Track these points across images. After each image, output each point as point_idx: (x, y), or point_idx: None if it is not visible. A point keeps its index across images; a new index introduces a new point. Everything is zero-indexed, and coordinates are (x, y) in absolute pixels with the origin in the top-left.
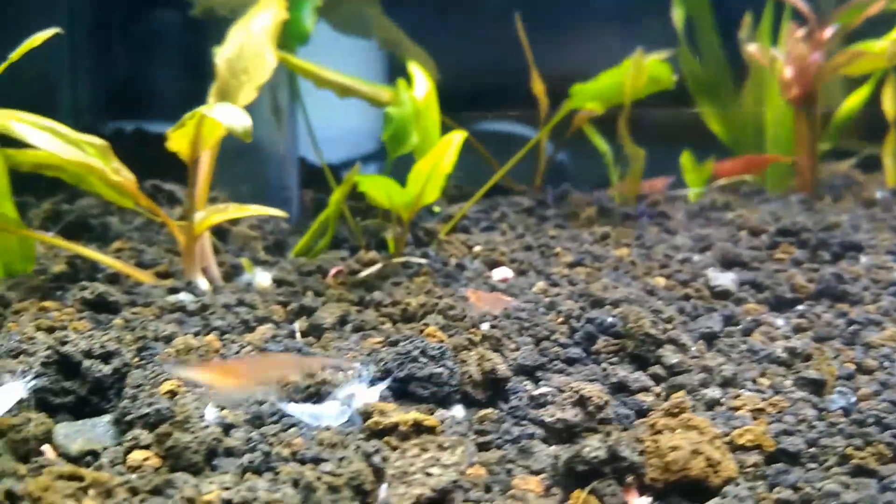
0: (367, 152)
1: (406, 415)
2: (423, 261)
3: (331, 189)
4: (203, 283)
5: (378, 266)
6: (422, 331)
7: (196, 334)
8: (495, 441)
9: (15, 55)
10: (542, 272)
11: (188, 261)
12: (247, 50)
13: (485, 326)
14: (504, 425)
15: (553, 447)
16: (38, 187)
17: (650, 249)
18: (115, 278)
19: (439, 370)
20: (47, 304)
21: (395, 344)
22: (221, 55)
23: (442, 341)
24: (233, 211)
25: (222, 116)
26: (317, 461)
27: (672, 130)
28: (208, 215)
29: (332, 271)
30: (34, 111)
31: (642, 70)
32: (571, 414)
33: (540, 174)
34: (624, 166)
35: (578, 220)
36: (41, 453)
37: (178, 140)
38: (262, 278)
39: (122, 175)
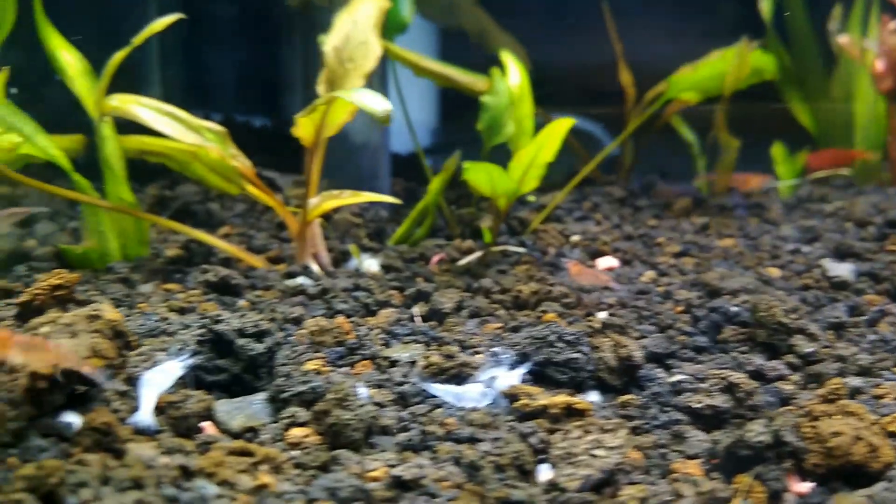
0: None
1: (555, 397)
2: (521, 249)
3: (419, 178)
4: (315, 269)
5: (478, 254)
6: (539, 318)
7: (324, 317)
8: (643, 426)
9: (138, 39)
10: (647, 262)
11: (301, 246)
12: (353, 38)
13: (602, 314)
14: (650, 411)
15: (706, 433)
16: (140, 174)
17: (756, 240)
18: (227, 263)
19: (576, 355)
20: (170, 286)
21: (516, 330)
22: (329, 44)
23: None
24: (347, 197)
25: (363, 100)
26: (472, 440)
27: (756, 123)
28: (322, 201)
29: (435, 258)
30: None
31: (746, 60)
32: (721, 400)
33: (626, 166)
34: (710, 158)
35: (673, 211)
36: (200, 430)
37: (304, 125)
38: (370, 264)
39: (239, 161)
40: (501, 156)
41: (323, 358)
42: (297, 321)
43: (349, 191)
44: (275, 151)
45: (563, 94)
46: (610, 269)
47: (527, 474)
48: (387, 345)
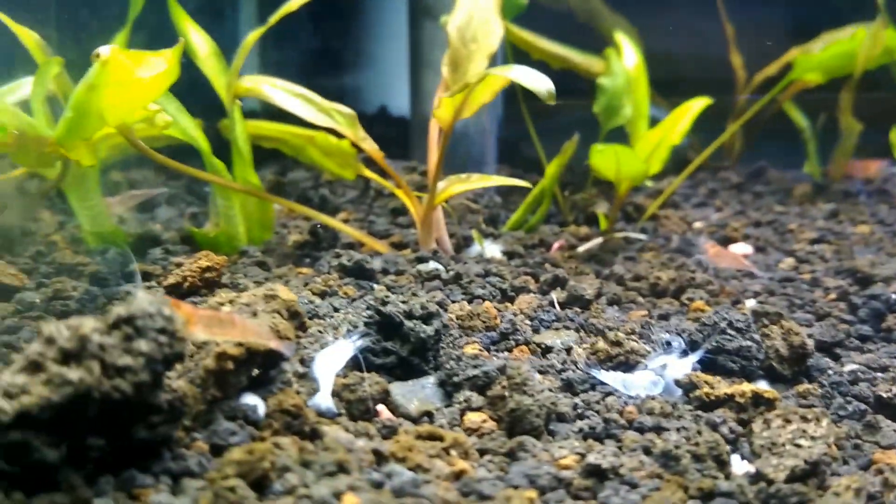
0: None
1: (740, 386)
2: (643, 236)
3: (525, 164)
4: (441, 254)
5: (598, 241)
6: (685, 305)
7: (467, 302)
8: (833, 417)
9: (273, 19)
10: (782, 249)
11: (425, 231)
12: (475, 18)
13: (750, 302)
14: (835, 401)
15: None
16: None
17: (893, 226)
18: (350, 248)
19: (748, 343)
20: (303, 270)
21: (665, 318)
22: (452, 23)
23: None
24: (476, 180)
25: (525, 78)
26: (658, 430)
27: (870, 110)
28: (449, 185)
29: (555, 245)
30: None
31: (880, 40)
32: None
33: (737, 151)
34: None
35: (795, 197)
36: (376, 413)
37: (446, 106)
38: (492, 250)
39: (368, 144)
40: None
41: (477, 342)
42: (441, 305)
43: (477, 174)
44: (377, 138)
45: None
46: (745, 256)
47: (723, 465)
48: (536, 331)
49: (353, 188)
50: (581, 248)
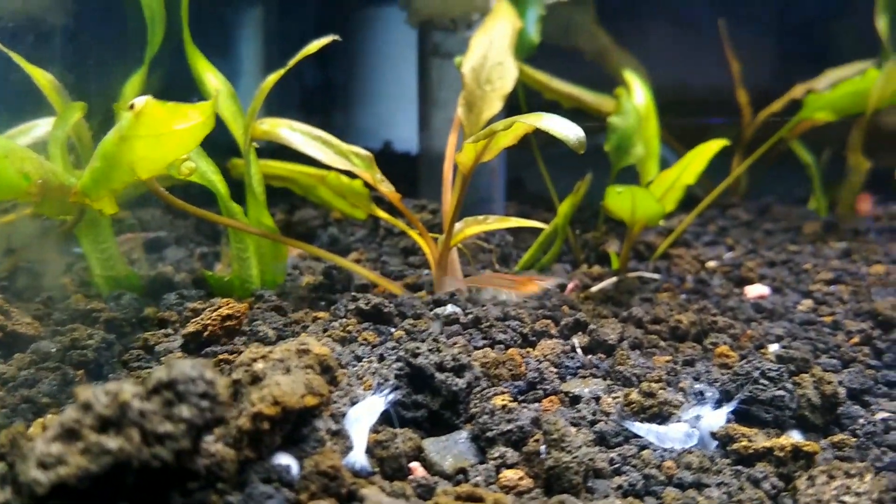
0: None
1: (780, 440)
2: (657, 276)
3: (532, 201)
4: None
5: (612, 281)
6: (709, 350)
7: (490, 347)
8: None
9: (293, 62)
10: (798, 290)
11: (440, 273)
12: (489, 59)
13: (773, 347)
14: (871, 452)
15: None
16: None
17: None
18: (364, 289)
19: (781, 393)
20: (319, 314)
21: (690, 364)
22: (467, 64)
23: (735, 362)
24: (493, 222)
25: (556, 127)
26: (699, 486)
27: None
28: (465, 227)
29: (570, 286)
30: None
31: (893, 79)
32: None
33: (741, 189)
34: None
35: (806, 236)
36: (410, 471)
37: (468, 151)
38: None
39: (385, 186)
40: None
41: (506, 392)
42: (465, 353)
43: (494, 216)
44: (389, 175)
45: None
46: (762, 297)
47: None
48: (563, 379)
49: (361, 227)
50: (595, 289)
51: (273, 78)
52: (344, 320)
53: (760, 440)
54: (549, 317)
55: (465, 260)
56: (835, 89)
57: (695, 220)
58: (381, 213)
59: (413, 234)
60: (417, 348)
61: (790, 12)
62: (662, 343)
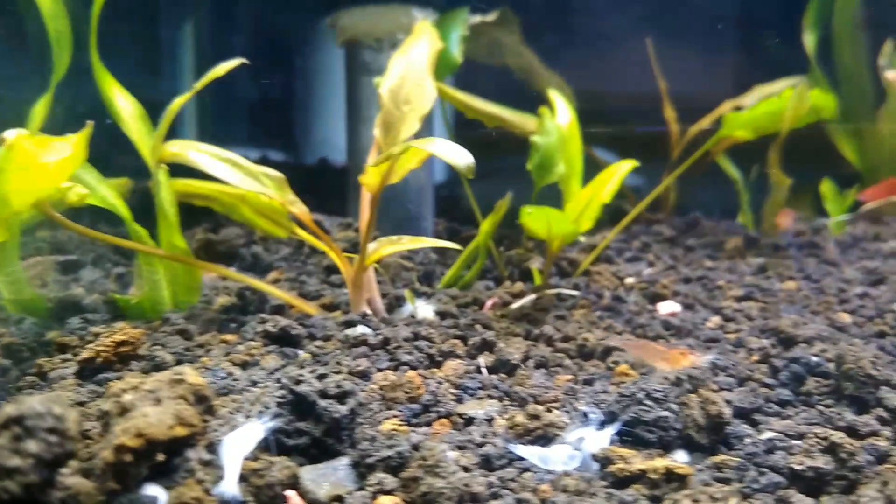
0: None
1: (654, 462)
2: (576, 293)
3: (461, 218)
4: (371, 316)
5: (530, 298)
6: (611, 369)
7: (390, 369)
8: (745, 490)
9: (199, 84)
10: (710, 306)
11: (356, 292)
12: (408, 80)
13: None
14: (749, 473)
15: (812, 498)
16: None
17: (819, 283)
18: (280, 310)
19: (665, 413)
20: (227, 337)
21: (589, 383)
22: (385, 85)
23: (634, 381)
24: (406, 242)
25: (444, 152)
26: None
27: (799, 158)
28: (380, 247)
29: (489, 303)
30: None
31: (805, 100)
32: (822, 461)
33: (670, 204)
34: (756, 195)
35: (726, 251)
36: (285, 499)
37: (373, 174)
38: (425, 310)
39: (297, 207)
40: (540, 195)
41: (398, 416)
42: (364, 375)
43: (407, 236)
44: (315, 193)
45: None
46: (672, 315)
47: None
48: (459, 400)
49: (287, 245)
50: (514, 306)
51: (180, 101)
52: (251, 343)
53: (636, 462)
54: (459, 336)
55: (388, 279)
56: (752, 109)
57: (621, 236)
58: (302, 233)
59: (331, 253)
60: (300, 375)
61: (724, 27)
62: (568, 361)
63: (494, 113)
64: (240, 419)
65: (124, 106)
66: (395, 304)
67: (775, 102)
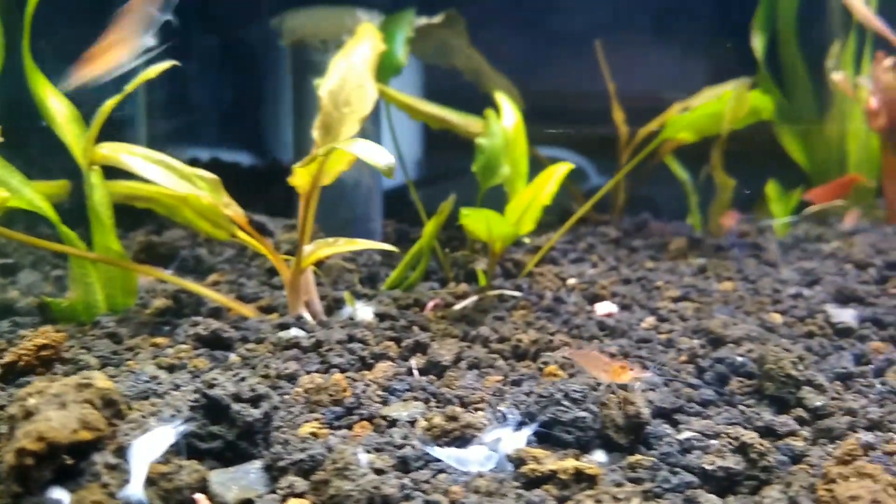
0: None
1: (564, 462)
2: (517, 294)
3: (410, 219)
4: (308, 318)
5: (473, 299)
6: (540, 369)
7: (319, 372)
8: (655, 490)
9: (130, 87)
10: (646, 307)
11: (293, 295)
12: (349, 82)
13: None
14: (661, 473)
15: (720, 497)
16: (124, 219)
17: (756, 283)
18: (217, 312)
19: (583, 414)
20: (158, 340)
21: (517, 384)
22: (325, 87)
23: (563, 381)
24: (343, 245)
25: (364, 152)
26: None
27: (748, 160)
28: (316, 249)
29: (430, 304)
30: (109, 141)
31: (744, 101)
32: (733, 461)
33: (619, 205)
34: (704, 196)
35: (670, 252)
36: (194, 502)
37: (302, 175)
38: (364, 312)
39: (232, 209)
40: (495, 194)
41: (320, 419)
42: (292, 378)
43: (343, 238)
44: (265, 194)
45: (556, 131)
46: (609, 315)
47: None
48: (385, 402)
49: (231, 247)
50: (457, 307)
51: (111, 102)
52: (181, 346)
53: (548, 463)
54: (393, 338)
55: (331, 281)
56: (693, 110)
57: (568, 238)
58: (242, 235)
59: (271, 256)
60: (214, 379)
61: (679, 29)
62: (501, 362)
63: (439, 115)
64: (152, 423)
65: (57, 108)
66: (334, 306)
67: (715, 104)
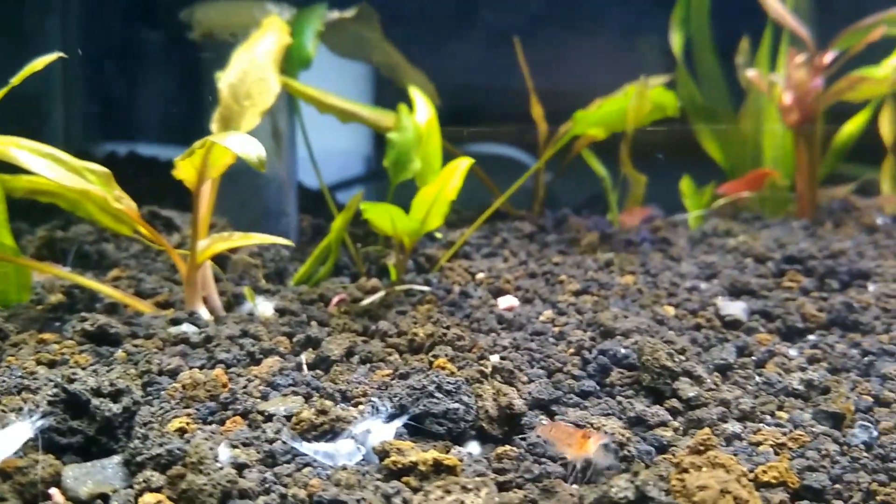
0: (354, 175)
1: (424, 454)
2: (425, 288)
3: (328, 214)
4: (205, 313)
5: (381, 294)
6: (431, 363)
7: (201, 367)
8: (515, 480)
9: (16, 79)
10: (547, 300)
11: (190, 290)
12: (250, 75)
13: (494, 358)
14: (524, 463)
15: (576, 486)
16: (31, 213)
17: (656, 277)
18: (113, 308)
19: (455, 406)
20: (46, 336)
21: (405, 377)
22: (225, 80)
23: (453, 374)
24: (237, 239)
25: (235, 145)
26: (335, 503)
27: (667, 155)
28: (211, 244)
29: (335, 300)
30: (26, 135)
31: (645, 98)
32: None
33: (539, 200)
34: (624, 191)
35: (581, 247)
36: (48, 497)
37: (185, 168)
38: (265, 308)
39: (124, 203)
40: (412, 190)
41: (192, 414)
42: (174, 374)
43: (239, 233)
44: (177, 188)
45: (477, 127)
46: (510, 309)
47: None
48: (264, 397)
49: (138, 242)
50: (363, 302)
51: None
52: (67, 342)
53: (411, 455)
54: (287, 333)
55: (234, 278)
56: (600, 107)
57: (483, 232)
58: (144, 230)
59: (169, 250)
60: (74, 374)
61: (603, 25)
62: (395, 356)
63: (348, 109)
64: (12, 418)
65: None
66: (234, 302)
67: (621, 100)
